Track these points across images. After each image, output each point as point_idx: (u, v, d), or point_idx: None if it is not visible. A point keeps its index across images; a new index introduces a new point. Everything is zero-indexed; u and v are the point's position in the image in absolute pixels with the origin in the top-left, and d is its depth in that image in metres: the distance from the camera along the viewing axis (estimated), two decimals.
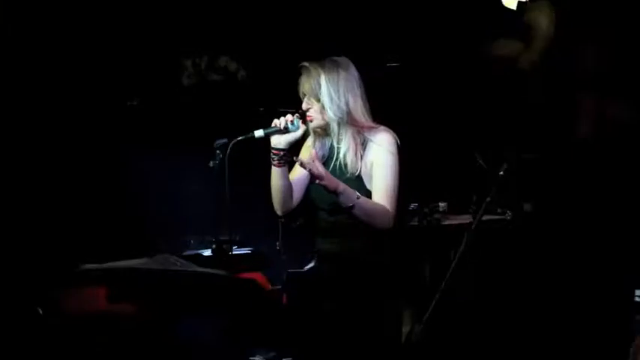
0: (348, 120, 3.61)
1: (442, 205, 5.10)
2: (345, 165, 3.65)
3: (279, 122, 3.65)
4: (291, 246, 4.49)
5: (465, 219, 4.98)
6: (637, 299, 4.29)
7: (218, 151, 3.72)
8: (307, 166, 3.39)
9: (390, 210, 3.58)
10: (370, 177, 3.65)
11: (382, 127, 3.66)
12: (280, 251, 4.49)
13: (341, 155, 3.65)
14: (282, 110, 3.91)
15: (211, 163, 3.72)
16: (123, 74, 5.29)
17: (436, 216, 5.05)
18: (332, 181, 3.44)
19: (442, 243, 4.89)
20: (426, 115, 5.43)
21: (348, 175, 3.63)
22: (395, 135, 3.65)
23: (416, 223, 5.06)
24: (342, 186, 3.45)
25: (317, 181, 3.43)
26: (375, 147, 3.62)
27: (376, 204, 3.56)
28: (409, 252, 4.82)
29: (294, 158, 3.65)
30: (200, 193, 4.69)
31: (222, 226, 3.85)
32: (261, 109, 4.49)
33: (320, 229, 3.83)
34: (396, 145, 3.65)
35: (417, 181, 4.56)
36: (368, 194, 3.65)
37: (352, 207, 3.48)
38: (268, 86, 5.42)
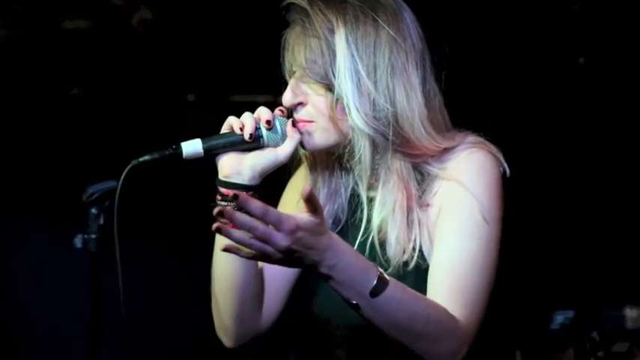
0: (394, 136, 2.13)
1: (633, 314, 3.38)
2: (384, 245, 2.17)
3: (239, 125, 2.15)
4: None
5: None
6: None
7: (94, 211, 2.33)
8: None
9: (463, 319, 2.04)
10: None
11: (467, 140, 2.17)
12: None
13: (375, 222, 2.18)
14: (242, 101, 3.31)
15: (78, 242, 2.34)
16: None
17: (619, 347, 3.26)
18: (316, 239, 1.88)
19: None
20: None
21: (391, 269, 2.14)
22: (496, 152, 2.16)
23: None
24: (331, 249, 1.90)
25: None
26: (446, 186, 2.16)
27: (429, 304, 2.04)
28: None
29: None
30: (59, 311, 3.60)
31: None
32: (191, 97, 3.66)
33: None
34: (495, 177, 2.15)
35: (569, 258, 3.49)
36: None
37: (357, 306, 1.95)
38: (207, 49, 3.88)
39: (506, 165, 2.17)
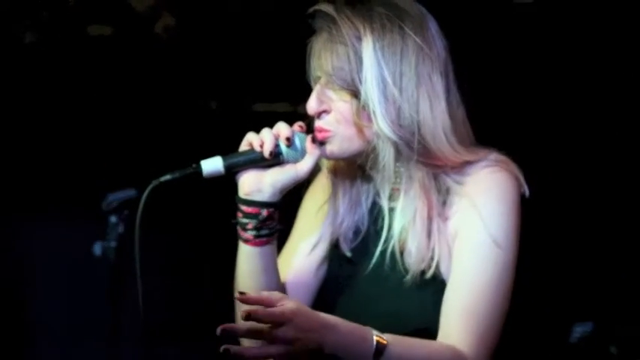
0: (417, 146, 2.12)
1: None
2: (404, 254, 2.15)
3: (258, 142, 2.14)
4: None
5: None
6: None
7: (113, 218, 2.40)
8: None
9: (474, 349, 2.03)
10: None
11: (489, 157, 2.15)
12: None
13: (396, 230, 2.17)
14: (263, 112, 3.33)
15: (97, 249, 2.42)
16: None
17: None
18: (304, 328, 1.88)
19: None
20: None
21: (409, 276, 2.13)
22: (517, 172, 2.14)
23: None
24: (325, 328, 1.92)
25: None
26: (464, 204, 2.14)
27: (431, 349, 2.04)
28: None
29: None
30: (78, 314, 3.54)
31: None
32: (214, 104, 3.70)
33: None
34: (514, 200, 2.12)
35: (588, 269, 3.42)
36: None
37: None
38: (229, 56, 3.91)
39: (526, 186, 2.14)
